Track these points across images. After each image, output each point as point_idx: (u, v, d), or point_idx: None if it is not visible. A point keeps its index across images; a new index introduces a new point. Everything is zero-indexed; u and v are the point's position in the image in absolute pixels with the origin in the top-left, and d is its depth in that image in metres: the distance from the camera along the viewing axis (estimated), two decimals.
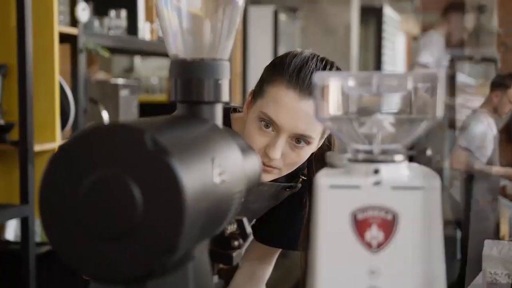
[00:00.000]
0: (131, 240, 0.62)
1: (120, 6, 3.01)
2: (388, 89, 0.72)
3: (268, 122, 1.25)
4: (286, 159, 1.27)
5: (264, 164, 1.27)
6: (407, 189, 0.69)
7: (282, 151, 1.26)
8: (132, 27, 3.08)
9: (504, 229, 4.39)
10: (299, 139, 1.26)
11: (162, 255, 0.62)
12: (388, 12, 7.48)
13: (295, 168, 1.31)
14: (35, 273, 2.39)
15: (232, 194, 0.75)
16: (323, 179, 0.70)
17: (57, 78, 2.52)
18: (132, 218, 0.62)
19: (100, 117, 2.87)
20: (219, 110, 0.84)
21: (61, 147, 0.65)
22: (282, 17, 5.02)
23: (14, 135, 2.41)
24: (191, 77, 0.82)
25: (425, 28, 9.97)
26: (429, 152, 4.36)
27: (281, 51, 5.70)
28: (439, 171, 4.31)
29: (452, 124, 4.71)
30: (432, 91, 0.70)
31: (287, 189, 1.43)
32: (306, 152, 1.28)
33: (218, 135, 0.78)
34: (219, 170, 0.71)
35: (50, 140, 2.53)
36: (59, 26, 2.57)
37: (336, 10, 5.57)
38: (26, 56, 2.37)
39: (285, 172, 1.30)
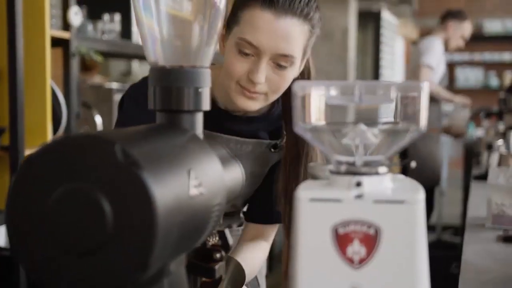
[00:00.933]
0: (100, 256, 0.60)
1: (114, 10, 2.99)
2: (371, 99, 0.69)
3: (247, 48, 1.22)
4: (271, 83, 1.24)
5: (249, 91, 1.25)
6: (390, 203, 0.66)
7: (265, 75, 1.24)
8: (126, 31, 3.06)
9: None
10: (281, 63, 1.23)
11: (134, 272, 0.60)
12: (386, 16, 7.46)
13: (280, 93, 1.28)
14: (25, 279, 2.36)
15: (211, 207, 0.73)
16: (303, 192, 0.68)
17: (49, 82, 2.49)
18: (102, 233, 0.59)
19: (93, 121, 2.85)
20: (199, 119, 0.82)
21: (30, 157, 0.62)
22: None
23: (4, 140, 2.39)
24: (171, 85, 0.80)
25: (424, 33, 9.97)
26: (413, 165, 4.37)
27: None
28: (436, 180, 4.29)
29: (447, 130, 4.70)
30: (417, 102, 0.68)
31: (272, 149, 1.40)
32: (290, 74, 1.25)
33: (197, 145, 0.76)
34: (196, 182, 0.69)
35: (41, 145, 2.50)
36: (51, 30, 2.54)
37: (333, 14, 5.55)
38: (17, 60, 2.35)
39: (271, 98, 1.28)
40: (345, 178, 0.69)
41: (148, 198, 0.59)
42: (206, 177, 0.72)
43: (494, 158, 3.01)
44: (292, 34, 1.21)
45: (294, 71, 1.26)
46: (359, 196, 0.67)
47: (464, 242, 1.66)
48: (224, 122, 1.36)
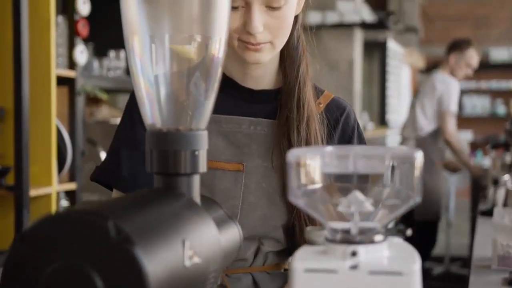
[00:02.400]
0: None
1: (119, 47, 3.01)
2: (365, 167, 0.69)
3: (232, 0, 1.12)
4: (271, 28, 1.15)
5: (252, 44, 1.16)
6: (386, 274, 0.66)
7: (263, 22, 1.15)
8: None
9: None
10: (273, 4, 1.14)
11: None
12: (392, 45, 7.49)
13: (285, 37, 1.19)
14: None
15: (207, 275, 0.72)
16: (299, 262, 0.67)
17: (54, 121, 2.50)
18: None
19: (99, 158, 2.86)
20: (196, 181, 0.82)
21: (23, 234, 0.62)
22: None
23: (9, 179, 2.39)
24: (167, 148, 0.80)
25: (430, 61, 10.00)
26: (409, 233, 4.35)
27: None
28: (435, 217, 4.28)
29: (446, 165, 4.68)
30: (411, 171, 0.68)
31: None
32: (288, 12, 1.16)
33: (192, 211, 0.75)
34: (191, 252, 0.68)
35: (46, 184, 2.50)
36: (57, 69, 2.56)
37: (338, 45, 5.58)
38: (23, 100, 2.36)
39: (279, 44, 1.18)
40: (340, 247, 0.68)
41: (141, 275, 0.59)
42: (202, 245, 0.71)
43: (501, 193, 2.98)
44: None
45: (291, 8, 1.18)
46: (354, 267, 0.66)
47: (470, 285, 1.64)
48: (238, 101, 1.26)
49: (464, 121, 10.21)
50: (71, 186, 2.68)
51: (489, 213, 2.87)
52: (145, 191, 0.79)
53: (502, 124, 8.93)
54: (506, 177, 3.15)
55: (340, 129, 1.29)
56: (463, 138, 10.12)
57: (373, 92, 7.37)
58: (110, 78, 2.99)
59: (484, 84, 10.04)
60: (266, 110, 1.25)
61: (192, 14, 0.79)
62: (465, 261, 5.38)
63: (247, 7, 1.14)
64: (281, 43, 1.19)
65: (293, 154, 0.70)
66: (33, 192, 2.42)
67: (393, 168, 0.69)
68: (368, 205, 0.70)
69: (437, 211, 4.28)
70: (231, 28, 1.15)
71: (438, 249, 6.20)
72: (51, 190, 2.52)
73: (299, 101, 1.23)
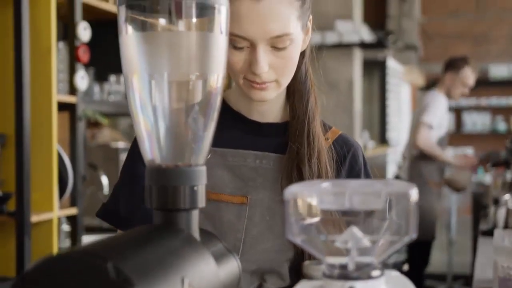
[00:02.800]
0: None
1: (120, 72, 3.03)
2: (361, 204, 0.70)
3: (238, 42, 1.13)
4: (276, 68, 1.16)
5: (257, 83, 1.16)
6: None
7: (268, 62, 1.14)
8: None
9: None
10: (278, 45, 1.14)
11: None
12: (392, 64, 7.52)
13: (291, 75, 1.19)
14: None
15: None
16: None
17: (55, 147, 2.52)
18: None
19: (100, 182, 2.86)
20: (195, 217, 0.83)
21: (24, 275, 0.63)
22: None
23: (11, 205, 2.40)
24: (167, 184, 0.81)
25: (429, 78, 10.05)
26: (405, 268, 4.39)
27: None
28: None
29: (449, 183, 4.68)
30: (406, 208, 0.69)
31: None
32: (293, 52, 1.16)
33: (191, 247, 0.76)
34: None
35: (47, 209, 2.51)
36: (58, 94, 2.58)
37: (338, 65, 5.60)
38: (24, 126, 2.38)
39: (285, 82, 1.19)
40: (338, 282, 0.69)
41: None
42: (201, 282, 0.72)
43: (501, 213, 2.98)
44: (278, 11, 1.12)
45: (297, 47, 1.18)
46: None
47: None
48: (244, 134, 1.27)
49: (464, 137, 10.23)
50: (72, 211, 2.69)
51: (490, 233, 2.87)
52: (145, 227, 0.80)
53: (503, 141, 8.93)
54: (507, 196, 3.15)
55: (348, 166, 1.29)
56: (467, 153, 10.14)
57: (373, 110, 7.39)
58: (110, 102, 3.01)
59: (484, 101, 10.07)
60: (273, 144, 1.26)
61: (190, 52, 0.81)
62: (467, 279, 5.36)
63: (252, 47, 1.14)
64: (286, 81, 1.19)
65: (290, 191, 0.71)
66: (34, 218, 2.42)
67: (389, 204, 0.70)
68: (365, 241, 0.71)
69: (432, 232, 4.27)
70: (237, 68, 1.16)
71: (441, 267, 6.18)
72: (52, 215, 2.53)
73: (309, 135, 1.23)
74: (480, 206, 4.65)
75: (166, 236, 0.77)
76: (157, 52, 0.81)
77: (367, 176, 1.30)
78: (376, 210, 0.72)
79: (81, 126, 2.71)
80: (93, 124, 3.68)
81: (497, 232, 1.98)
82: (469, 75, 4.23)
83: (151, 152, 0.83)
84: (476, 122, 10.17)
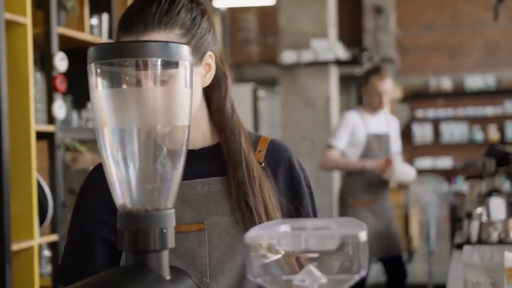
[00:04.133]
0: None
1: None
2: (316, 246, 0.76)
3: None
4: None
5: None
6: None
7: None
8: None
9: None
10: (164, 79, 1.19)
11: None
12: None
13: (195, 105, 1.24)
14: None
15: None
16: None
17: (35, 176, 2.56)
18: None
19: None
20: (165, 257, 0.88)
21: None
22: (261, 93, 5.12)
23: None
24: (138, 228, 0.86)
25: (407, 91, 10.19)
26: None
27: (262, 127, 5.79)
28: None
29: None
30: (356, 248, 0.75)
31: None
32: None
33: (162, 287, 0.82)
34: None
35: (27, 237, 2.55)
36: (37, 124, 2.62)
37: (314, 81, 5.68)
38: (3, 156, 2.42)
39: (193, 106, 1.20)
40: None
41: None
42: None
43: (474, 226, 3.05)
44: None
45: (197, 74, 1.23)
46: None
47: None
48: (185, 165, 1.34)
49: (443, 148, 10.37)
50: (53, 237, 2.72)
51: (463, 246, 2.94)
52: (117, 269, 0.86)
53: (480, 150, 9.06)
54: (479, 210, 3.22)
55: (285, 172, 1.35)
56: (442, 164, 10.26)
57: None
58: (89, 129, 3.06)
59: (461, 111, 10.22)
60: (213, 167, 1.31)
61: (157, 106, 0.87)
62: None
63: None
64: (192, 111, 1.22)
65: (250, 236, 0.77)
66: (15, 246, 2.46)
67: (342, 245, 0.77)
68: (322, 278, 0.77)
69: (396, 246, 4.30)
70: None
71: (421, 277, 6.26)
72: (33, 243, 2.56)
73: (248, 168, 1.29)
74: (456, 216, 4.72)
75: (138, 277, 0.82)
76: (126, 107, 0.87)
77: (303, 172, 1.37)
78: (330, 250, 0.78)
79: (59, 154, 2.75)
80: (74, 148, 3.72)
81: (466, 248, 2.04)
82: (376, 83, 4.12)
83: (122, 197, 0.89)
84: (454, 132, 10.31)
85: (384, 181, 4.21)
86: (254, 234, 0.78)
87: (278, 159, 1.35)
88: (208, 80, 1.30)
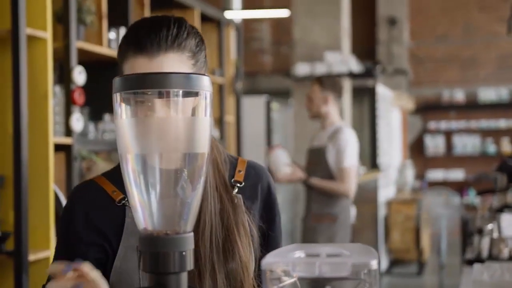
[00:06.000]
0: None
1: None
2: (329, 273, 0.80)
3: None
4: None
5: None
6: None
7: None
8: None
9: None
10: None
11: None
12: (381, 90, 7.65)
13: None
14: None
15: None
16: None
17: (52, 187, 2.61)
18: None
19: None
20: (184, 279, 0.92)
21: None
22: (275, 106, 5.16)
23: (9, 245, 2.49)
24: (158, 250, 0.91)
25: (420, 102, 10.19)
26: None
27: (275, 138, 5.83)
28: None
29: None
30: (368, 277, 0.79)
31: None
32: (187, 104, 1.23)
33: None
34: None
35: (45, 248, 2.60)
36: (55, 137, 2.68)
37: None
38: (22, 168, 2.47)
39: None
40: None
41: None
42: None
43: (485, 242, 3.07)
44: (170, 68, 1.22)
45: (191, 100, 1.28)
46: None
47: None
48: None
49: (455, 160, 10.35)
50: None
51: (474, 262, 2.95)
52: None
53: (493, 163, 9.04)
54: (490, 226, 3.23)
55: (262, 192, 1.38)
56: (454, 176, 10.25)
57: (364, 136, 7.49)
58: (106, 141, 3.11)
59: (474, 124, 10.21)
60: None
61: (178, 134, 0.91)
62: None
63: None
64: None
65: (266, 262, 0.81)
66: (32, 257, 2.51)
67: (354, 272, 0.80)
68: None
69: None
70: None
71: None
72: (50, 253, 2.61)
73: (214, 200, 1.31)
74: (467, 230, 4.72)
75: None
76: (148, 135, 0.91)
77: (276, 200, 1.40)
78: (344, 277, 0.82)
79: (76, 166, 2.80)
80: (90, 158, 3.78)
81: (476, 267, 2.06)
82: (310, 91, 4.11)
83: (144, 221, 0.93)
84: (467, 144, 10.30)
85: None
86: (270, 260, 0.81)
87: (257, 179, 1.38)
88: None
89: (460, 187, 9.82)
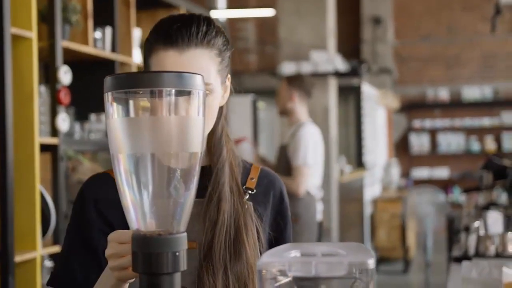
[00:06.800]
0: None
1: (100, 110, 3.11)
2: (326, 272, 0.79)
3: None
4: None
5: None
6: None
7: None
8: None
9: None
10: None
11: None
12: (366, 88, 7.67)
13: (212, 123, 1.28)
14: None
15: None
16: None
17: (38, 188, 2.58)
18: None
19: None
20: (177, 279, 0.91)
21: None
22: (261, 105, 5.15)
23: None
24: (151, 251, 0.90)
25: (404, 100, 10.24)
26: None
27: (262, 137, 5.83)
28: None
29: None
30: (365, 276, 0.78)
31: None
32: (212, 102, 1.25)
33: None
34: None
35: (31, 249, 2.57)
36: (40, 137, 2.65)
37: (314, 93, 5.71)
38: (7, 168, 2.45)
39: (206, 131, 1.23)
40: None
41: None
42: None
43: (472, 240, 3.08)
44: (199, 63, 1.24)
45: (216, 98, 1.27)
46: None
47: None
48: None
49: (440, 158, 10.41)
50: (55, 249, 2.75)
51: (461, 259, 2.97)
52: None
53: (477, 161, 9.10)
54: (477, 223, 3.25)
55: (274, 200, 1.38)
56: (439, 174, 10.29)
57: (349, 135, 7.52)
58: (91, 141, 3.09)
59: (458, 122, 10.28)
60: (202, 187, 1.28)
61: (171, 134, 0.90)
62: None
63: None
64: (206, 129, 1.25)
65: (262, 262, 0.80)
66: (18, 258, 2.48)
67: (350, 271, 0.80)
68: None
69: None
70: None
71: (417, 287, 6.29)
72: (36, 254, 2.59)
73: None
74: (453, 228, 4.75)
75: None
76: (140, 134, 0.90)
77: (288, 209, 1.40)
78: (339, 276, 0.81)
79: (62, 166, 2.78)
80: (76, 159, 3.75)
81: (465, 264, 2.06)
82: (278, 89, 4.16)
83: (136, 221, 0.92)
84: (451, 142, 10.37)
85: None
86: (266, 260, 0.81)
87: (269, 187, 1.38)
88: (224, 100, 1.34)
89: (444, 185, 9.88)
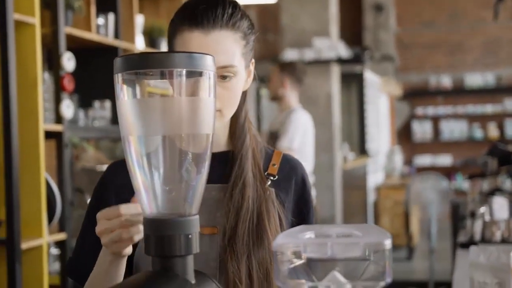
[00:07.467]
0: None
1: (104, 97, 3.10)
2: (341, 253, 0.78)
3: None
4: (221, 97, 1.21)
5: None
6: None
7: None
8: (116, 117, 3.17)
9: None
10: (224, 73, 1.22)
11: None
12: (369, 76, 7.65)
13: (234, 107, 1.27)
14: None
15: None
16: None
17: (43, 175, 2.58)
18: None
19: (86, 206, 2.92)
20: (190, 262, 0.91)
21: None
22: (264, 92, 5.14)
23: (1, 233, 2.46)
24: (163, 234, 0.89)
25: (407, 88, 10.21)
26: None
27: (264, 124, 5.82)
28: None
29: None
30: (382, 257, 0.77)
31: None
32: (236, 85, 1.25)
33: None
34: None
35: (37, 236, 2.57)
36: (45, 124, 2.64)
37: (317, 80, 5.70)
38: (13, 156, 2.44)
39: (228, 113, 1.26)
40: None
41: None
42: None
43: (478, 225, 3.08)
44: (224, 45, 1.24)
45: (240, 81, 1.26)
46: None
47: None
48: None
49: (442, 145, 10.40)
50: (61, 236, 2.75)
51: (468, 245, 2.96)
52: (144, 274, 0.88)
53: (480, 148, 9.07)
54: (483, 209, 3.25)
55: (296, 186, 1.37)
56: (442, 161, 10.29)
57: (352, 122, 7.50)
58: (95, 128, 3.08)
59: (460, 109, 10.25)
60: (218, 173, 1.30)
61: (181, 115, 0.89)
62: (449, 286, 5.46)
63: None
64: (229, 112, 1.27)
65: (277, 243, 0.79)
66: (24, 245, 2.48)
67: (367, 251, 0.79)
68: (346, 285, 0.79)
69: None
70: None
71: (422, 274, 6.29)
72: (42, 241, 2.58)
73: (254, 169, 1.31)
74: (458, 214, 4.74)
75: (164, 282, 0.85)
76: (151, 116, 0.89)
77: (310, 195, 1.39)
78: (355, 257, 0.80)
79: (67, 153, 2.77)
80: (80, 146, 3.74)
81: (473, 249, 2.05)
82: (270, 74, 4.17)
83: (148, 204, 0.91)
84: (454, 130, 10.34)
85: None
86: (281, 241, 0.80)
87: (291, 173, 1.37)
88: (247, 85, 1.33)
89: (447, 172, 9.87)
